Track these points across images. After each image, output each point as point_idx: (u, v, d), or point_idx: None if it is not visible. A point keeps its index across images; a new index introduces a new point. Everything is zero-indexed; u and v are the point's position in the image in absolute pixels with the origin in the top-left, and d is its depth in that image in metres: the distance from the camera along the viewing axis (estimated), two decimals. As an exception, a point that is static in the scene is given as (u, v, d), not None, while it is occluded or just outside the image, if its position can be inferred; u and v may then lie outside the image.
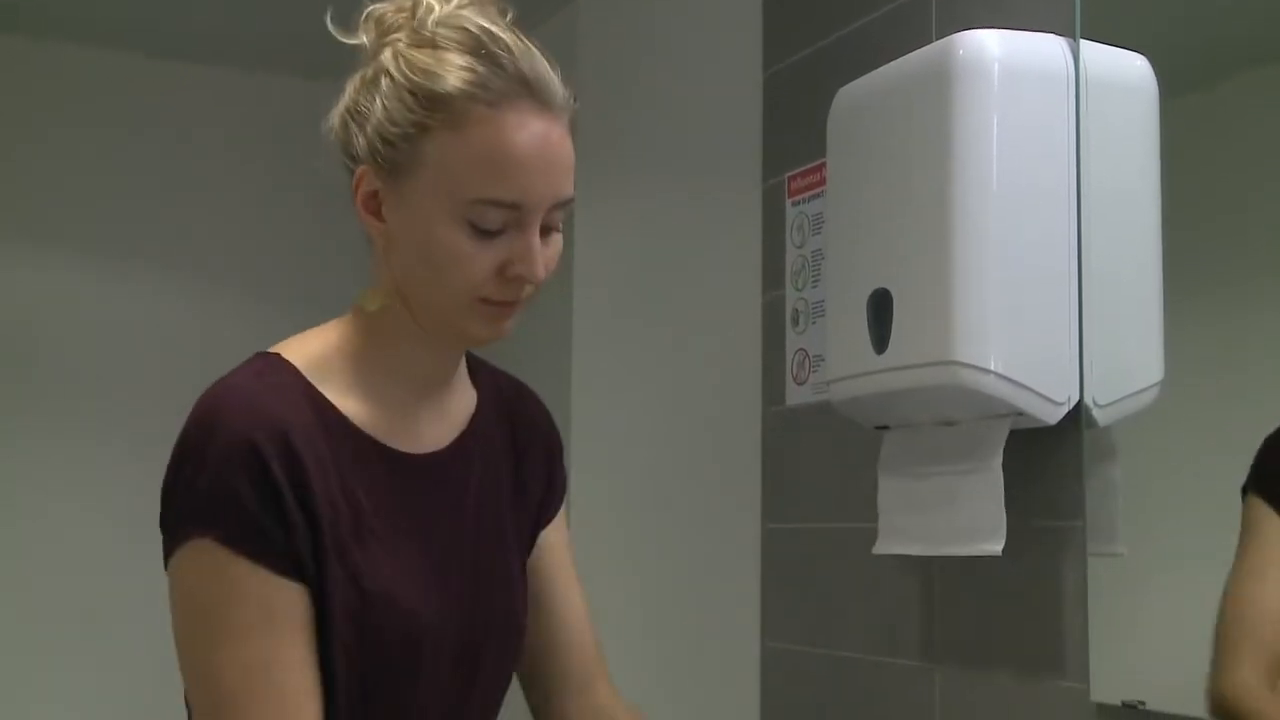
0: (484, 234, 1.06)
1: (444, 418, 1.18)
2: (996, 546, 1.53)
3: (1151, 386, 1.53)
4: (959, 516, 1.58)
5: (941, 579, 1.78)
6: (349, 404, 1.11)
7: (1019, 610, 1.65)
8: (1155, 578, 1.53)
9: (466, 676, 1.16)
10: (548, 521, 1.28)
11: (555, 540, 1.29)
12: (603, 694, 1.30)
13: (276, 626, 1.03)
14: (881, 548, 1.72)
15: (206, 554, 1.03)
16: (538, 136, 1.06)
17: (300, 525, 1.04)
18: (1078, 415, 1.55)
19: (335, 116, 1.13)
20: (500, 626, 1.19)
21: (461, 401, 1.21)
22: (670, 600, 2.17)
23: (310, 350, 1.13)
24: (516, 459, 1.24)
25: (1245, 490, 1.38)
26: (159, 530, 1.08)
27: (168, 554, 1.06)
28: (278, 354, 1.12)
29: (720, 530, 2.20)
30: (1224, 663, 1.39)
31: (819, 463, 2.07)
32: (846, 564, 1.97)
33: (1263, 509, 1.37)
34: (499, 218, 1.06)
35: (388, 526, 1.10)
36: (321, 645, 1.06)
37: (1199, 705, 1.41)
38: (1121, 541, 1.55)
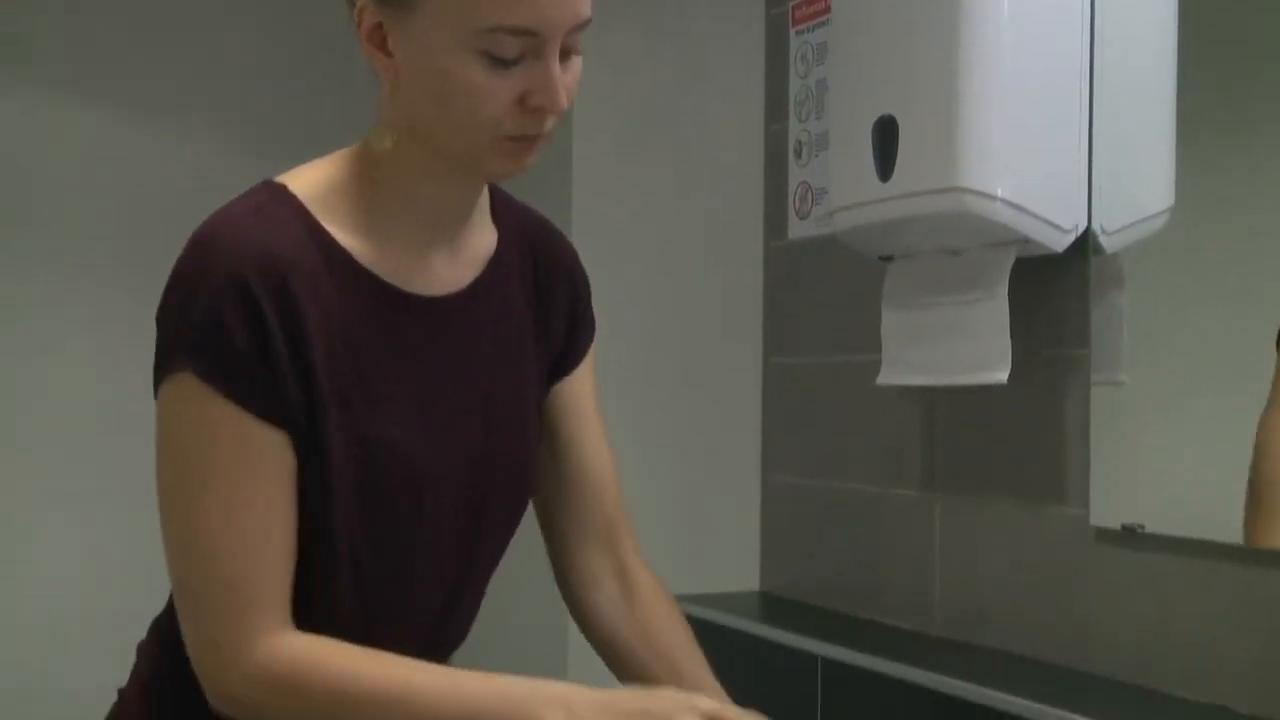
0: (499, 64, 0.99)
1: (460, 258, 1.13)
2: (1002, 375, 1.53)
3: (1161, 213, 1.51)
4: (964, 346, 1.58)
5: (943, 409, 1.79)
6: (355, 242, 1.07)
7: (1020, 438, 1.65)
8: (1157, 405, 1.53)
9: (471, 528, 1.14)
10: (573, 366, 1.24)
11: (581, 385, 1.25)
12: (624, 548, 1.27)
13: (253, 468, 1.01)
14: (885, 379, 1.72)
15: (187, 388, 1.00)
16: None
17: (291, 372, 1.01)
18: (1085, 242, 1.53)
19: None
20: (508, 477, 1.17)
21: (481, 241, 1.16)
22: (671, 436, 2.19)
23: (316, 183, 1.08)
24: (539, 301, 1.20)
25: None
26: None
27: (156, 383, 1.04)
28: (282, 185, 1.07)
29: (722, 366, 2.21)
30: (1264, 516, 1.38)
31: (821, 296, 2.06)
32: (848, 397, 1.97)
33: None
34: (515, 46, 0.99)
35: (393, 371, 1.07)
36: (323, 497, 1.05)
37: (1197, 527, 1.43)
38: (1125, 370, 1.55)
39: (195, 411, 1.01)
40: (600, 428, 1.27)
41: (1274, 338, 1.36)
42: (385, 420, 1.06)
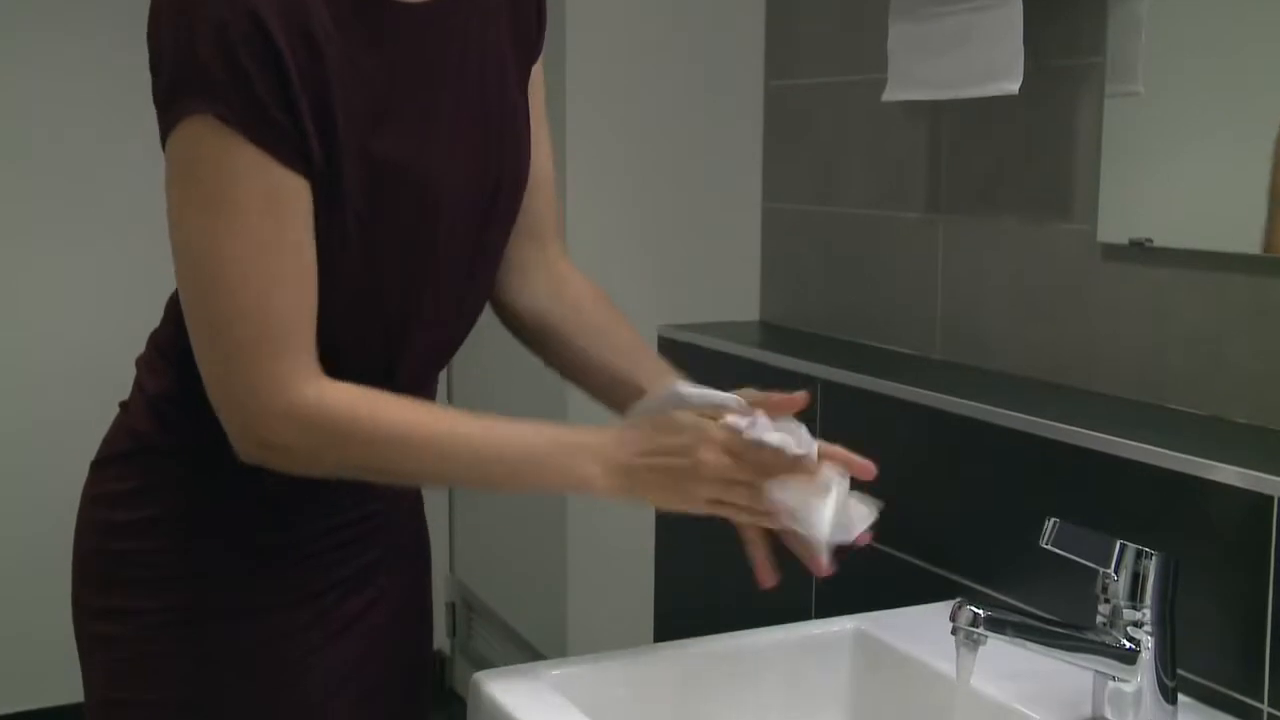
0: None
1: None
2: (1013, 85, 1.47)
3: (1190, -95, 1.41)
4: (974, 56, 1.51)
5: (949, 126, 1.73)
6: None
7: (1028, 154, 1.61)
8: (1172, 117, 1.47)
9: (479, 235, 1.14)
10: (534, 60, 1.20)
11: (535, 79, 1.21)
12: (552, 249, 1.25)
13: (279, 210, 0.99)
14: (891, 94, 1.66)
15: (208, 132, 0.96)
16: None
17: (310, 115, 0.98)
18: (1107, -60, 1.45)
19: None
20: (510, 179, 1.16)
21: None
22: (669, 163, 2.14)
23: None
24: None
25: None
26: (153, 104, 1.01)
27: (165, 129, 1.00)
28: None
29: (721, 89, 2.14)
30: None
31: (824, 14, 1.98)
32: (852, 118, 1.92)
33: None
34: None
35: (398, 92, 1.04)
36: (338, 225, 1.03)
37: (1207, 240, 1.40)
38: (1141, 80, 1.48)
39: (217, 154, 0.97)
40: (544, 123, 1.23)
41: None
42: (398, 145, 1.04)
